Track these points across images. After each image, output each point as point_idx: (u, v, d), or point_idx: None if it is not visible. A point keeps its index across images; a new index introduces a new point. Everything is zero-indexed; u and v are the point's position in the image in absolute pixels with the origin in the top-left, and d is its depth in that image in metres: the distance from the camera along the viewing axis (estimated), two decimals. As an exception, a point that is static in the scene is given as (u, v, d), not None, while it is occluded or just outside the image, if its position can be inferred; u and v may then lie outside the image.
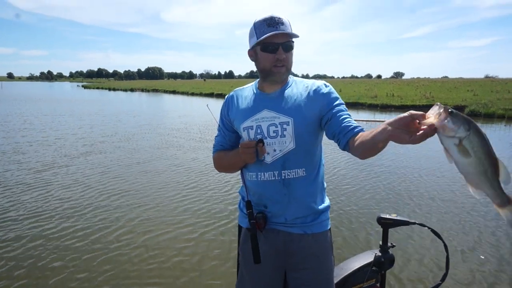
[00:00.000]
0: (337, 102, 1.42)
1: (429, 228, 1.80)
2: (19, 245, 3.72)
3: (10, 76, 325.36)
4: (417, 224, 1.79)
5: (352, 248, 3.72)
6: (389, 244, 1.87)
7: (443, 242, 1.74)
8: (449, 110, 0.89)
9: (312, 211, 1.47)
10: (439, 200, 5.15)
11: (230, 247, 3.73)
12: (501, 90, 29.36)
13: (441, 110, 0.90)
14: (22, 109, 20.39)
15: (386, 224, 1.83)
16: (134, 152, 8.56)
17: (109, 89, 58.13)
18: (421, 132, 0.92)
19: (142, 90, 53.09)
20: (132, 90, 54.35)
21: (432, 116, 0.91)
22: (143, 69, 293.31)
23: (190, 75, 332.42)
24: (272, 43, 1.35)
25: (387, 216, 1.81)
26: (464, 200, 5.12)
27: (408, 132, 0.95)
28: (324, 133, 1.46)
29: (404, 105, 20.06)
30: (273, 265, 1.49)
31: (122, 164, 7.39)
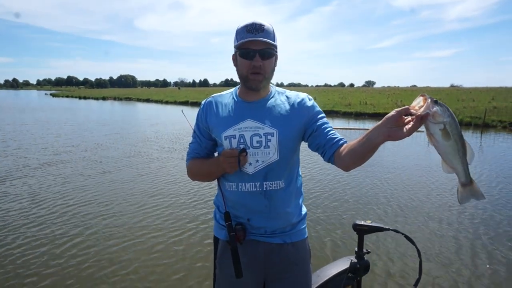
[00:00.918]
0: (321, 115, 1.44)
1: (402, 234, 1.82)
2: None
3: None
4: (391, 230, 1.81)
5: (328, 255, 3.75)
6: (364, 250, 1.88)
7: (416, 247, 1.77)
8: (434, 99, 1.01)
9: (292, 220, 1.46)
10: (412, 206, 5.29)
11: (196, 256, 3.66)
12: (466, 99, 30.75)
13: (429, 100, 1.00)
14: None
15: (361, 231, 1.84)
16: (98, 163, 8.30)
17: (80, 98, 56.42)
18: (412, 123, 1.01)
19: (115, 99, 51.97)
20: (104, 98, 53.09)
21: (423, 106, 1.01)
22: (115, 77, 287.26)
23: (164, 83, 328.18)
24: (249, 49, 1.32)
25: (362, 223, 1.82)
26: (437, 206, 5.29)
27: (400, 128, 1.03)
28: (307, 145, 1.46)
29: (377, 113, 20.68)
30: (253, 276, 1.46)
31: (85, 174, 7.17)
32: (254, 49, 1.32)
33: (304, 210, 1.54)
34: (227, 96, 1.50)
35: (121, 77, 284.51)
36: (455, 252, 3.80)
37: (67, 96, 63.08)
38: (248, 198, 1.40)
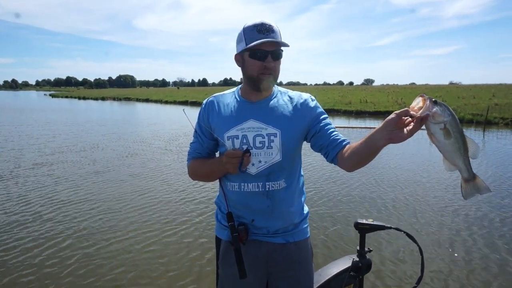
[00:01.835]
0: (324, 116, 1.44)
1: (404, 232, 1.82)
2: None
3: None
4: (393, 228, 1.81)
5: (330, 253, 3.74)
6: (366, 249, 1.88)
7: (418, 245, 1.77)
8: (433, 100, 1.02)
9: (294, 220, 1.46)
10: (414, 204, 5.28)
11: (196, 256, 3.66)
12: (466, 96, 30.65)
13: (428, 101, 1.01)
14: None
15: (363, 229, 1.84)
16: (94, 162, 8.28)
17: (79, 98, 56.38)
18: (412, 124, 1.03)
19: (114, 99, 51.94)
20: (103, 98, 53.06)
21: (422, 108, 1.02)
22: (114, 77, 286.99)
23: (163, 83, 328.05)
24: (261, 50, 1.30)
25: (364, 221, 1.82)
26: (440, 204, 5.28)
27: (401, 130, 1.05)
28: (310, 145, 1.45)
29: (378, 111, 20.61)
30: (256, 276, 1.46)
31: (79, 173, 7.16)
32: (267, 50, 1.30)
33: (306, 209, 1.54)
34: (229, 95, 1.48)
35: (120, 77, 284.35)
36: (458, 250, 3.79)
37: (66, 97, 63.05)
38: (250, 199, 1.40)
